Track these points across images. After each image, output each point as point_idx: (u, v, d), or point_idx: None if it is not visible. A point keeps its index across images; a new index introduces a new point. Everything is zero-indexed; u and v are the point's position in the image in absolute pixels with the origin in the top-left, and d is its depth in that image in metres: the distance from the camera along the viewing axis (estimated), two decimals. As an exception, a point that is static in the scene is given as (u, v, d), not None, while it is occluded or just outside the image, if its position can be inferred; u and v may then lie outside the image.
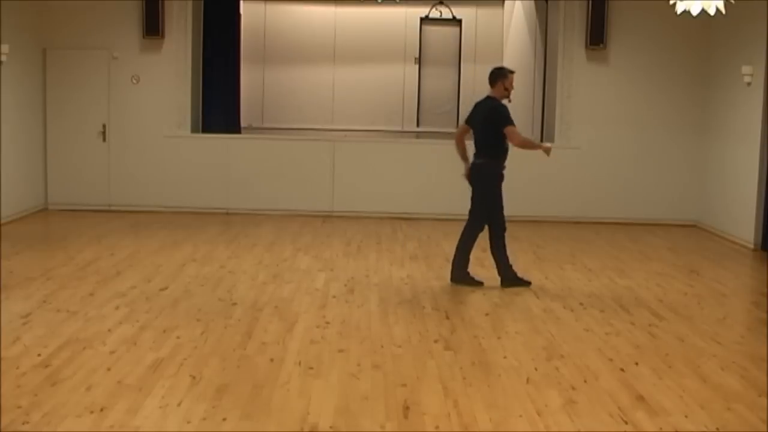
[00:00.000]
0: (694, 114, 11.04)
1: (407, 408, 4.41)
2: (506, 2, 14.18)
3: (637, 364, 5.25)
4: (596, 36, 10.95)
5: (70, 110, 11.03)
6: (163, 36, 10.97)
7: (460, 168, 7.35)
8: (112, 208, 11.09)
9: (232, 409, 4.32)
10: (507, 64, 14.07)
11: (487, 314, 6.40)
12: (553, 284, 7.47)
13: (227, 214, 11.11)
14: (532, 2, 12.45)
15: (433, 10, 13.93)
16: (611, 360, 5.32)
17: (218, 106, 11.78)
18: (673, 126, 11.12)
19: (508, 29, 14.04)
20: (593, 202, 11.15)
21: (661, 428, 4.23)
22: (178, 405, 4.36)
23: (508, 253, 7.25)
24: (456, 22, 14.25)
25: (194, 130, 11.40)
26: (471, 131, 7.29)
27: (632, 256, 8.95)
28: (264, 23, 14.17)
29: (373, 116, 14.17)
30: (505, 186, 7.17)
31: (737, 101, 10.01)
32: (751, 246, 9.50)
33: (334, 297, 6.81)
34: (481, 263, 7.89)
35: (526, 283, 7.27)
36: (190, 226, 10.10)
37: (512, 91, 7.21)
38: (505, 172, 7.18)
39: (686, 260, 8.91)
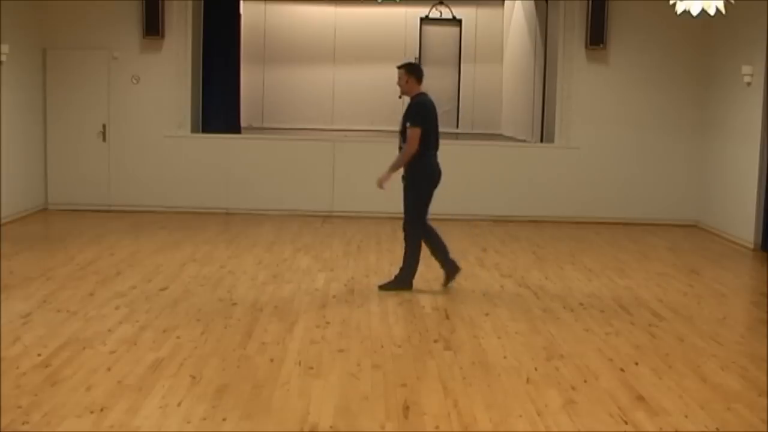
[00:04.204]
0: (694, 114, 11.03)
1: (407, 408, 4.41)
2: (506, 2, 14.18)
3: (637, 364, 5.25)
4: (596, 36, 10.94)
5: (70, 110, 11.02)
6: (163, 36, 10.97)
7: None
8: (112, 208, 11.09)
9: (232, 409, 4.32)
10: (507, 64, 14.16)
11: (487, 314, 6.39)
12: (553, 284, 7.47)
13: (227, 214, 11.10)
14: (532, 2, 12.43)
15: (433, 10, 13.92)
16: (611, 360, 5.31)
17: (218, 106, 11.78)
18: (673, 126, 11.11)
19: (508, 29, 14.04)
20: (593, 202, 11.14)
21: (661, 428, 4.23)
22: (178, 405, 4.36)
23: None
24: (456, 22, 14.25)
25: (194, 130, 11.40)
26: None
27: (632, 256, 8.95)
28: (264, 23, 14.18)
29: (373, 116, 14.16)
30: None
31: (737, 101, 10.00)
32: (751, 246, 9.50)
33: (334, 297, 6.81)
34: (481, 263, 7.97)
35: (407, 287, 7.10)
36: (190, 226, 10.09)
37: (400, 89, 7.35)
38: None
39: (686, 260, 8.90)
